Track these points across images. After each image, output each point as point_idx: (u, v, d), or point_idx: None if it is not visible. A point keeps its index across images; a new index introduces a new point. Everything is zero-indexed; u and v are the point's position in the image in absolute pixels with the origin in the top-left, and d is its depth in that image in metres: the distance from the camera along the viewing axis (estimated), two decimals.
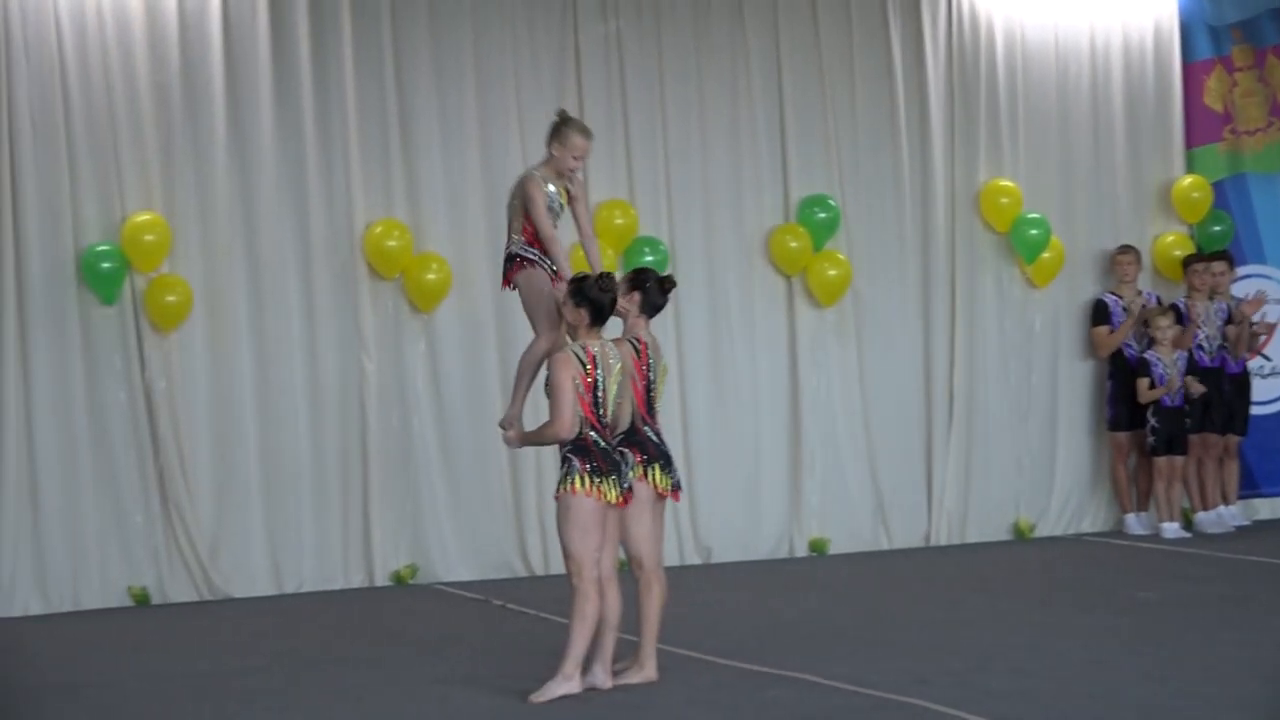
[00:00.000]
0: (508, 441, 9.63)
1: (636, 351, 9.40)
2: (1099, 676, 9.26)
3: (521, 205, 9.68)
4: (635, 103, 14.16)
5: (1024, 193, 15.11)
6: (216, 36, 12.97)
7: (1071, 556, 14.26)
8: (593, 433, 8.93)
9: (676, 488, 9.51)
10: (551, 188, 9.68)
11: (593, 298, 8.95)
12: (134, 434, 12.72)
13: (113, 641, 11.35)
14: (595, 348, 8.98)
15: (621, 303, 9.30)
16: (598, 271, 9.35)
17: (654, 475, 9.36)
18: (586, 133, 9.76)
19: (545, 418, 9.11)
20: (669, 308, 13.65)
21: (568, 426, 8.92)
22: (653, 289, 9.55)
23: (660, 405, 9.62)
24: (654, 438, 9.45)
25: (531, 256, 9.66)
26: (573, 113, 13.75)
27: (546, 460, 13.60)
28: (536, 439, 9.24)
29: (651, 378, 9.49)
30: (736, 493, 14.31)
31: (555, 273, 9.61)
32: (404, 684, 9.62)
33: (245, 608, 12.60)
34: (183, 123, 12.92)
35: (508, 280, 9.83)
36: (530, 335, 9.85)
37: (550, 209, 9.70)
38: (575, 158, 9.70)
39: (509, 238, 9.80)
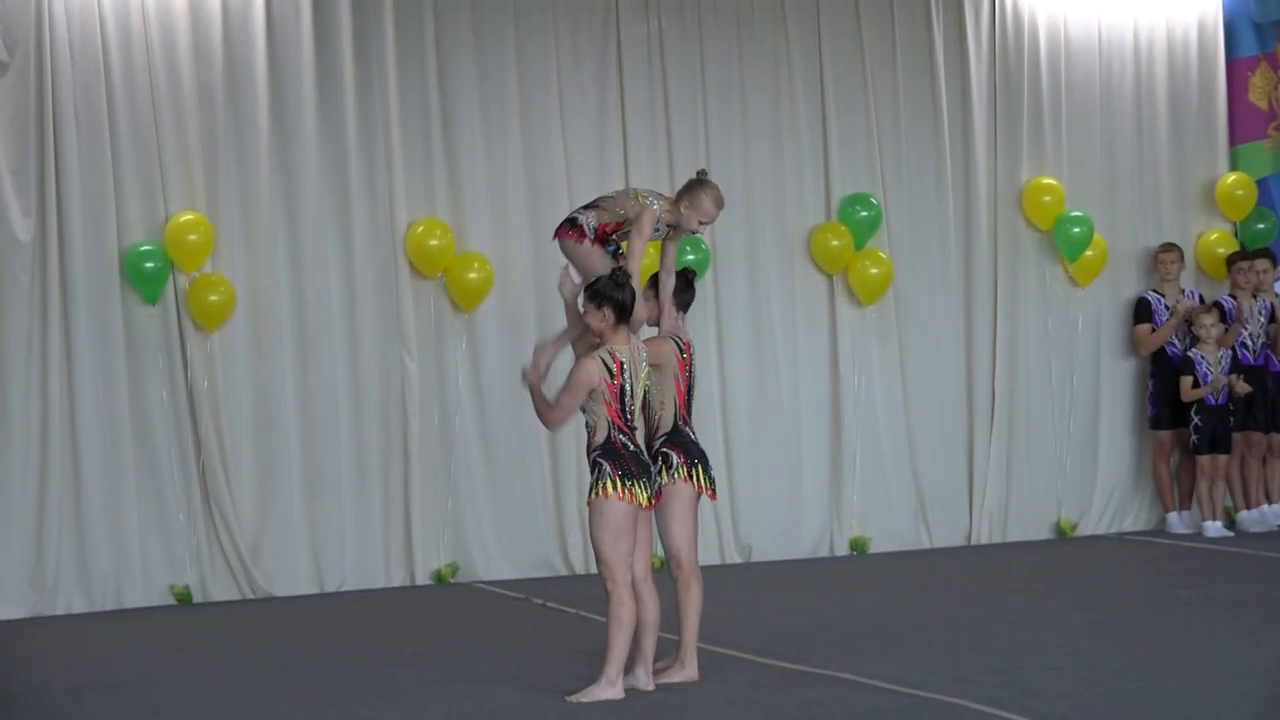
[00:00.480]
0: (524, 371, 9.37)
1: (680, 350, 9.41)
2: (1140, 676, 9.22)
3: (626, 222, 9.36)
4: (677, 102, 14.16)
5: (1067, 191, 15.09)
6: (260, 36, 13.00)
7: (1113, 555, 14.24)
8: (621, 436, 8.90)
9: (713, 487, 9.53)
10: (659, 229, 9.47)
11: (610, 295, 8.83)
12: (176, 433, 12.76)
13: (155, 640, 11.36)
14: (624, 354, 8.90)
15: (641, 306, 9.27)
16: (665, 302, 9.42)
17: (697, 475, 9.37)
18: (720, 202, 9.48)
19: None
20: (709, 305, 13.91)
21: (556, 425, 9.16)
22: (680, 285, 9.61)
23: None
24: (693, 436, 9.46)
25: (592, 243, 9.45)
26: (614, 112, 13.92)
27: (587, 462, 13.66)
28: (538, 401, 9.15)
29: (693, 377, 9.50)
30: (777, 491, 14.30)
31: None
32: (445, 683, 9.63)
33: (287, 607, 12.62)
34: (226, 123, 12.96)
35: (562, 233, 9.50)
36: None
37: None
38: (702, 222, 9.48)
39: (587, 212, 9.47)
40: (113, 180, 12.64)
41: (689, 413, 9.50)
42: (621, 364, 8.86)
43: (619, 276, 8.92)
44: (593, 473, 8.95)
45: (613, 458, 8.88)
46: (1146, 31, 15.53)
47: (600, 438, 8.93)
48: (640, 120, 14.08)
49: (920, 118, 14.83)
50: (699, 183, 9.47)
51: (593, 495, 8.94)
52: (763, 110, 14.41)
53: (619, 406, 8.89)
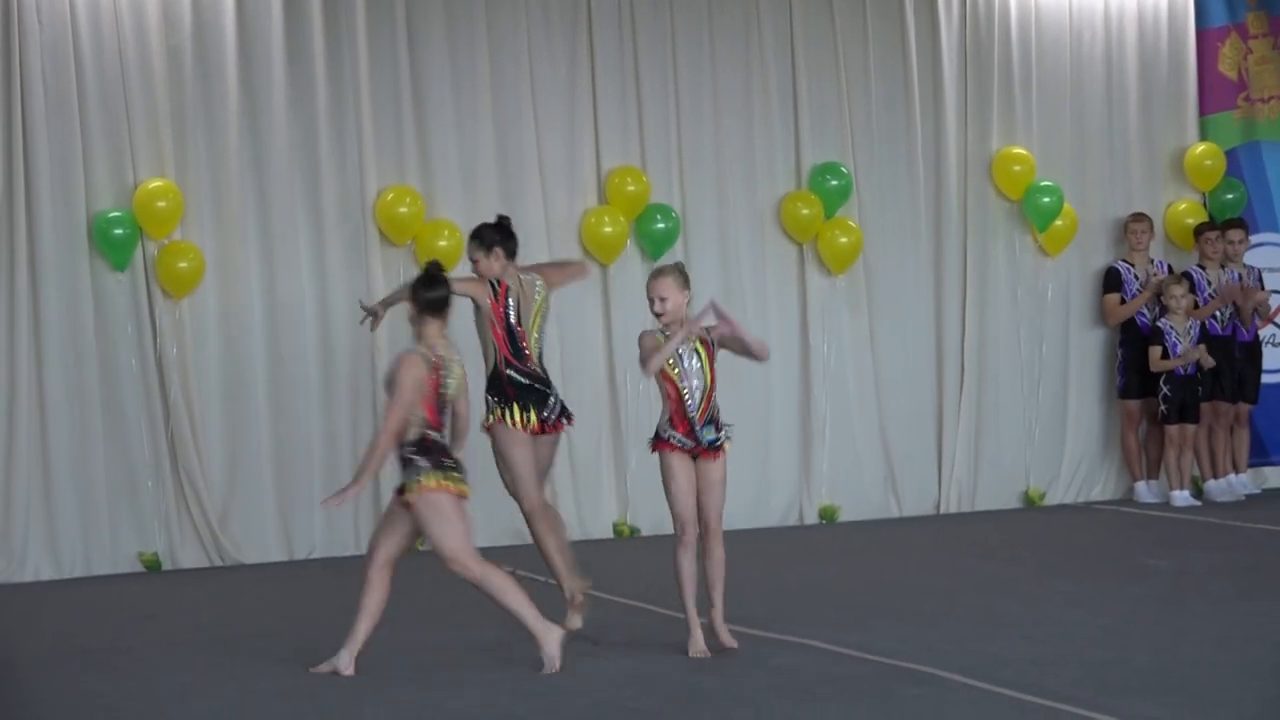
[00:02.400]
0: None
1: (496, 294, 9.89)
2: (1109, 645, 9.23)
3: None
4: (647, 69, 14.13)
5: (1037, 160, 15.10)
6: (229, 1, 12.96)
7: (1082, 525, 14.26)
8: (433, 433, 8.97)
9: (546, 422, 9.93)
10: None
11: (426, 298, 9.10)
12: (145, 400, 12.75)
13: (124, 607, 11.37)
14: (442, 350, 9.05)
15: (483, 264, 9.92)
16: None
17: (512, 415, 9.85)
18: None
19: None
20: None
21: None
22: (489, 234, 10.10)
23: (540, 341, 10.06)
24: (519, 378, 9.78)
25: None
26: (584, 81, 13.89)
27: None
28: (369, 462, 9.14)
29: (511, 317, 9.81)
30: (747, 460, 14.16)
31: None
32: (413, 650, 9.65)
33: (256, 574, 12.64)
34: (195, 89, 12.93)
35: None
36: None
37: None
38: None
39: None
40: (81, 146, 12.61)
41: (516, 353, 9.86)
42: (440, 361, 9.00)
43: (434, 268, 9.30)
44: (406, 469, 9.13)
45: (425, 453, 8.97)
46: (1117, 1, 15.51)
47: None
48: (611, 90, 14.06)
49: (891, 87, 14.81)
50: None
51: (414, 492, 9.12)
52: (733, 79, 14.39)
53: (436, 403, 8.98)
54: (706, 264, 14.14)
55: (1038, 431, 15.26)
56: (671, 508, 9.53)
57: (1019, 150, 15.04)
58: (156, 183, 12.65)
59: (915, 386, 14.90)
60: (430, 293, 9.09)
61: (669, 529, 13.76)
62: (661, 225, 13.89)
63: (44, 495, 12.40)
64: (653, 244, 13.96)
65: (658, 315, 9.41)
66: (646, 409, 13.94)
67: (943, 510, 14.87)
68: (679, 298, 9.35)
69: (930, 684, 8.35)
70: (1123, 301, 15.03)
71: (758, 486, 14.33)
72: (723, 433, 9.55)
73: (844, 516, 14.48)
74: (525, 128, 13.79)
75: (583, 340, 13.96)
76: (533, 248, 13.63)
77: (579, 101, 13.99)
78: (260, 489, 13.08)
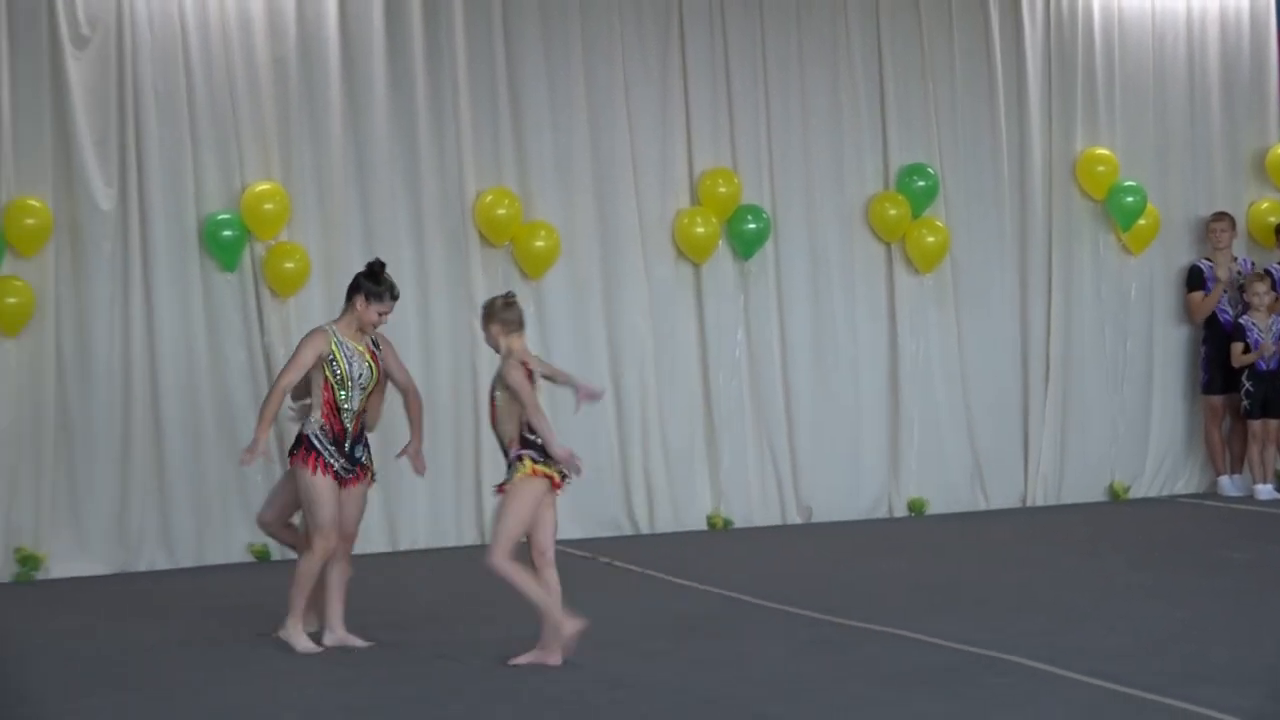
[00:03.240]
0: None
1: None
2: (1190, 637, 9.24)
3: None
4: (738, 72, 14.22)
5: (1120, 160, 15.11)
6: (333, 11, 13.11)
7: (1165, 518, 14.28)
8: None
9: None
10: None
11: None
12: (254, 395, 12.82)
13: (235, 597, 11.45)
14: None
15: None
16: None
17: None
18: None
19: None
20: (770, 273, 14.03)
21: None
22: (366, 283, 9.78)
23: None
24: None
25: None
26: (676, 82, 13.94)
27: (653, 425, 13.78)
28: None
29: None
30: (837, 454, 14.38)
31: None
32: (505, 643, 9.48)
33: (361, 564, 12.64)
34: (299, 96, 13.08)
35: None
36: None
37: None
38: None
39: None
40: (191, 151, 12.78)
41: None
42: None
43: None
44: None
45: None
46: (1199, 2, 15.51)
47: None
48: (703, 92, 14.14)
49: (976, 89, 14.86)
50: None
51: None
52: (822, 82, 14.45)
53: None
54: (796, 263, 14.26)
55: (1122, 426, 15.28)
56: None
57: (1103, 150, 15.06)
58: (264, 186, 12.82)
59: (1001, 382, 14.94)
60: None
61: (761, 521, 14.03)
62: (752, 226, 13.99)
63: (158, 487, 12.60)
64: (744, 244, 14.05)
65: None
66: (738, 405, 14.13)
67: (1028, 504, 14.90)
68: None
69: (1016, 673, 8.36)
70: (1205, 298, 15.06)
71: (848, 480, 14.41)
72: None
73: (932, 509, 14.54)
74: (619, 130, 13.89)
75: (676, 339, 14.04)
76: (626, 248, 13.85)
77: (671, 104, 14.08)
78: None
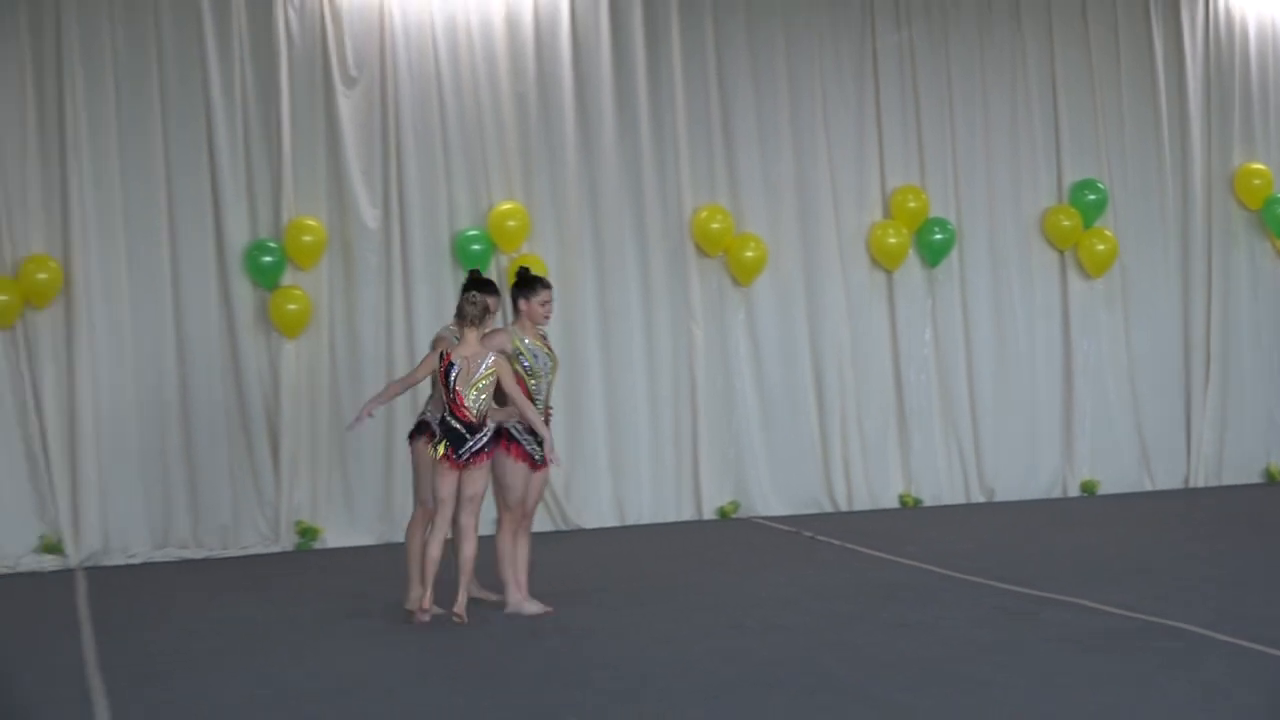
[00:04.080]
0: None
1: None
2: None
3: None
4: (926, 100, 14.25)
5: (1275, 175, 14.92)
6: (566, 52, 13.31)
7: None
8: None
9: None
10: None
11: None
12: None
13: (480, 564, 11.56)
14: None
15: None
16: None
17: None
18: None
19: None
20: (955, 278, 14.08)
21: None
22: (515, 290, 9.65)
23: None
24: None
25: None
26: (870, 109, 13.95)
27: (850, 414, 13.84)
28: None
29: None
30: (1016, 440, 14.37)
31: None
32: (728, 607, 9.69)
33: (592, 538, 12.90)
34: (538, 125, 13.28)
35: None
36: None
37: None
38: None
39: None
40: (444, 175, 13.04)
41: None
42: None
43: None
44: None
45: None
46: None
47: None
48: (893, 117, 14.17)
49: (1141, 110, 14.75)
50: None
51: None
52: (1001, 105, 14.44)
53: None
54: (979, 270, 14.28)
55: (1278, 414, 15.10)
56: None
57: (1258, 165, 14.89)
58: (507, 205, 13.04)
59: (1165, 375, 14.82)
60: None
61: (949, 500, 13.98)
62: (939, 236, 14.02)
63: None
64: (931, 253, 14.08)
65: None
66: (926, 397, 14.15)
67: (1191, 485, 14.76)
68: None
69: (1183, 638, 8.28)
70: None
71: (1026, 463, 14.38)
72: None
73: (1103, 490, 14.46)
74: (819, 153, 13.95)
75: (870, 338, 14.08)
76: (826, 257, 13.92)
77: (866, 128, 14.12)
78: (597, 465, 13.37)
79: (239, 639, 9.22)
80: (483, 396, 9.15)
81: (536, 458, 9.46)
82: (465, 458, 9.18)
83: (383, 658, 8.54)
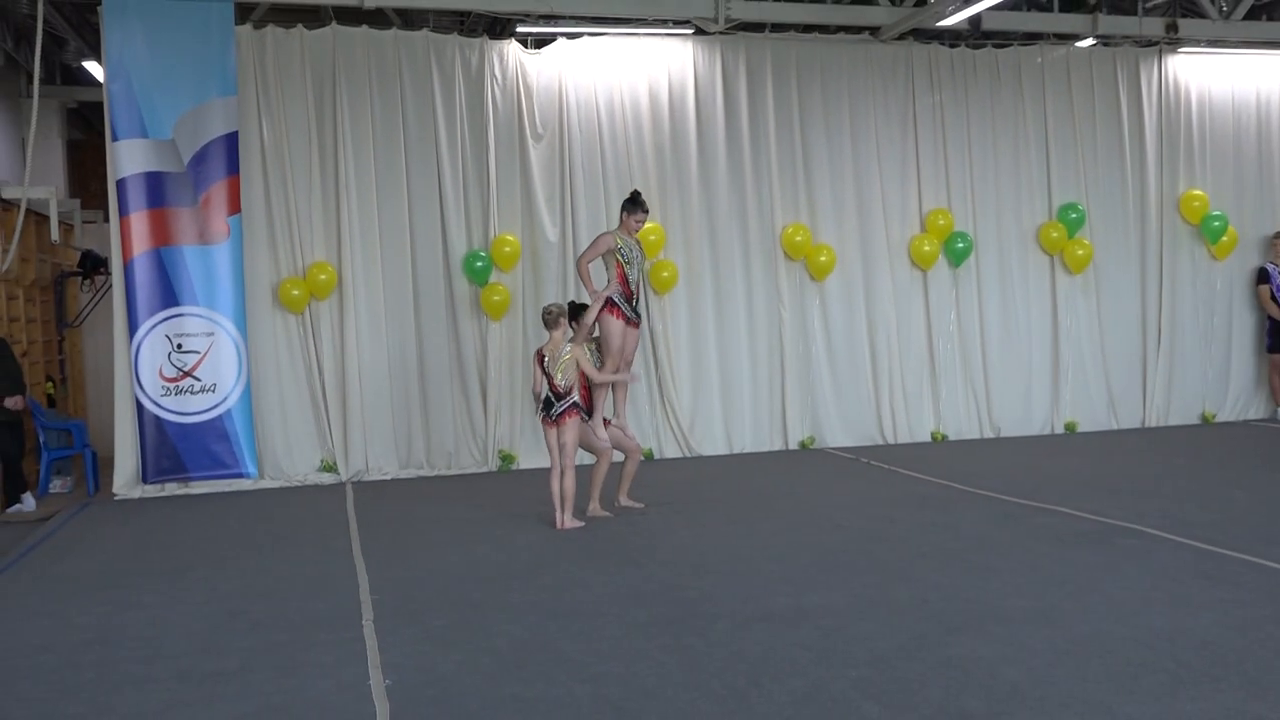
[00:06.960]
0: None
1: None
2: (1260, 512, 8.97)
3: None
4: (952, 143, 14.03)
5: (1210, 196, 14.59)
6: (691, 112, 13.19)
7: (1241, 436, 13.75)
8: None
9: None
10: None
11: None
12: (652, 358, 13.08)
13: (643, 474, 11.26)
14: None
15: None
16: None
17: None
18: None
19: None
20: (973, 275, 13.84)
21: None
22: (629, 205, 9.58)
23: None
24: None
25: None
26: (910, 150, 13.75)
27: (896, 372, 13.70)
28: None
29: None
30: (1016, 389, 14.17)
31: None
32: (805, 511, 9.68)
33: (708, 463, 12.84)
34: (670, 164, 13.17)
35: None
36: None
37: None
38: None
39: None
40: (603, 202, 12.96)
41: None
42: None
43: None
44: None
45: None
46: (1265, 94, 14.95)
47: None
48: (927, 157, 14.01)
49: (1111, 150, 14.47)
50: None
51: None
52: (1006, 147, 14.20)
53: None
54: (990, 270, 14.06)
55: (1210, 373, 14.80)
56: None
57: (1198, 191, 14.58)
58: (649, 224, 12.92)
59: (1128, 344, 14.55)
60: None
61: (968, 435, 13.84)
62: (961, 245, 13.85)
63: None
64: (955, 257, 13.90)
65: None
66: (951, 360, 13.99)
67: (1147, 425, 14.51)
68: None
69: (1139, 537, 8.26)
70: (1271, 294, 14.56)
71: (1023, 407, 14.16)
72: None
73: (1081, 428, 14.24)
74: (873, 181, 13.77)
75: (911, 318, 13.89)
76: (878, 260, 13.77)
77: (908, 165, 13.93)
78: (711, 407, 13.28)
79: (458, 531, 9.34)
80: (568, 373, 9.13)
81: (630, 316, 9.51)
82: (555, 416, 9.15)
83: (557, 546, 8.60)
